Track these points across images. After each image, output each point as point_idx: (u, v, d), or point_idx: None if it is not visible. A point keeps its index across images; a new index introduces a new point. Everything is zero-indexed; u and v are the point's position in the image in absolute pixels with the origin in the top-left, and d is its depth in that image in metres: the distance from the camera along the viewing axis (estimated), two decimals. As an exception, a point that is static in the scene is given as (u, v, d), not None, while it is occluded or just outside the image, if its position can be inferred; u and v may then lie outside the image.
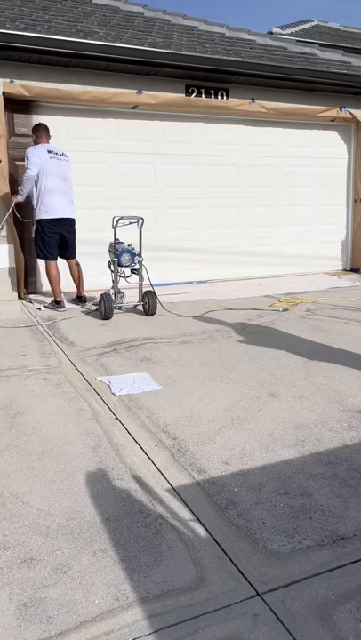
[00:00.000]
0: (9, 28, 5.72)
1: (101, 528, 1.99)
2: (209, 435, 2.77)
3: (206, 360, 4.01)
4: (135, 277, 5.69)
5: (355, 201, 8.52)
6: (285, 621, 1.55)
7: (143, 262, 5.59)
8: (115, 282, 5.56)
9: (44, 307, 5.89)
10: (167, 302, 6.00)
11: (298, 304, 6.02)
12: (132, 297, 5.74)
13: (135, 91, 6.61)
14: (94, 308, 5.78)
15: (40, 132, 5.71)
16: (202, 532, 1.96)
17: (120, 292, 5.64)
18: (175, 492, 2.23)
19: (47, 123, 5.96)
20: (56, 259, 5.76)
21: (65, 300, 5.91)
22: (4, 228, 6.20)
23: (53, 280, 5.74)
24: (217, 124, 7.45)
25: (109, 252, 5.68)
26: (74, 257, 5.93)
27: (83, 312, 5.72)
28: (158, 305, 5.58)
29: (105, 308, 5.33)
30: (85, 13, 7.60)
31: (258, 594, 1.66)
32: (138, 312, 5.66)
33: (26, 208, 6.03)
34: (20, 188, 5.76)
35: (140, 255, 5.58)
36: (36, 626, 1.55)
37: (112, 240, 5.59)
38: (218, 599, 1.64)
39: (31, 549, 1.88)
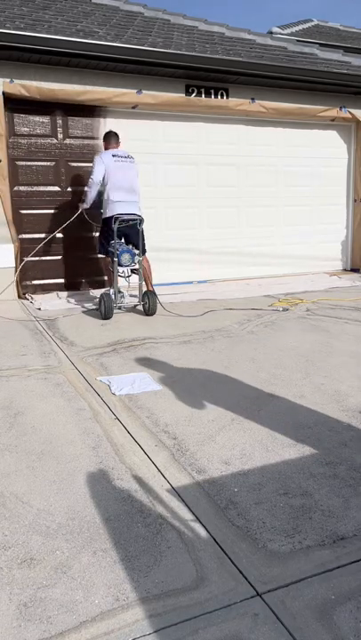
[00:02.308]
0: (9, 28, 5.72)
1: (101, 528, 1.99)
2: (209, 435, 2.77)
3: (206, 360, 4.01)
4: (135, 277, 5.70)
5: (355, 201, 8.53)
6: (285, 621, 1.54)
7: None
8: (114, 282, 5.56)
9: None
10: (167, 302, 6.00)
11: (298, 304, 6.02)
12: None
13: (135, 90, 6.61)
14: (94, 307, 5.78)
15: (109, 139, 5.94)
16: (202, 531, 1.96)
17: (120, 292, 5.64)
18: (175, 491, 2.23)
19: (47, 121, 5.96)
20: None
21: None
22: (5, 229, 6.21)
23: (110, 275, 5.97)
24: (217, 123, 7.45)
25: (109, 251, 5.68)
26: (144, 254, 5.99)
27: (83, 312, 5.72)
28: (158, 305, 5.58)
29: (105, 308, 5.33)
30: (85, 13, 7.60)
31: (258, 594, 1.66)
32: (138, 312, 5.66)
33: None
34: (85, 193, 5.93)
35: (140, 255, 5.58)
36: (36, 626, 1.55)
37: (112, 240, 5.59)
38: (218, 599, 1.64)
39: (31, 549, 1.88)
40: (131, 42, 6.37)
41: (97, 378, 3.64)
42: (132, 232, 5.75)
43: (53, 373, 3.77)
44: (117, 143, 5.96)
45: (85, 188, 5.93)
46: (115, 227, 5.49)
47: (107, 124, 6.77)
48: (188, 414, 3.03)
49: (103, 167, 5.69)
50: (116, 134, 5.99)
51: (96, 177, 5.69)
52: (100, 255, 6.31)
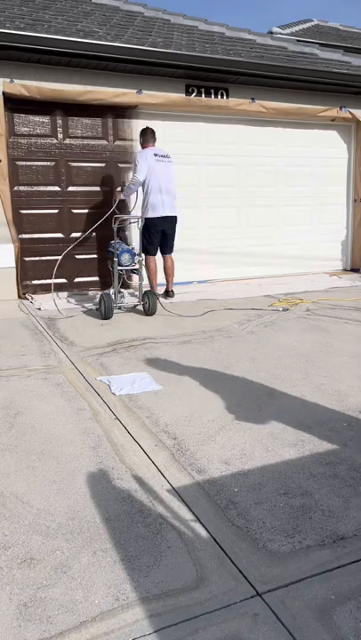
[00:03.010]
0: (9, 28, 5.72)
1: (101, 528, 1.99)
2: (209, 434, 2.77)
3: (206, 360, 4.00)
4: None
5: (355, 201, 8.53)
6: (285, 621, 1.54)
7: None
8: (114, 282, 5.56)
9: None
10: (167, 302, 6.01)
11: (298, 304, 6.02)
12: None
13: (135, 90, 6.61)
14: (94, 307, 5.79)
15: (147, 137, 6.08)
16: (202, 531, 1.96)
17: (120, 292, 5.64)
18: (175, 491, 2.23)
19: (44, 121, 5.95)
20: (155, 254, 6.16)
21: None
22: (5, 228, 6.21)
23: (151, 273, 6.13)
24: (217, 123, 7.45)
25: (109, 251, 5.68)
26: (171, 253, 6.25)
27: (83, 312, 5.72)
28: (158, 305, 5.58)
29: (105, 308, 5.33)
30: (85, 13, 7.60)
31: (258, 594, 1.66)
32: (138, 312, 5.66)
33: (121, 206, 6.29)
34: (126, 187, 6.01)
35: (140, 255, 5.59)
36: (36, 626, 1.55)
37: (112, 240, 5.59)
38: (218, 599, 1.64)
39: (31, 549, 1.88)
40: (131, 42, 6.37)
41: (97, 378, 3.64)
42: (170, 232, 6.09)
43: (53, 373, 3.77)
44: (155, 141, 6.05)
45: (126, 186, 6.00)
46: (154, 229, 5.87)
47: (107, 124, 6.78)
48: (188, 414, 3.03)
49: (147, 165, 5.79)
50: (153, 131, 6.06)
51: (140, 176, 5.81)
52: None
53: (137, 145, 6.53)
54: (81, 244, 6.83)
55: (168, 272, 6.30)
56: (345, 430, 2.80)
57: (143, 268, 5.61)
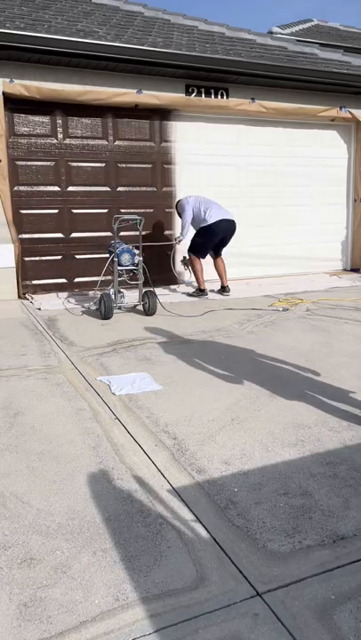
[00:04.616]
0: (9, 28, 5.72)
1: (101, 528, 1.99)
2: (209, 434, 2.77)
3: (206, 360, 4.01)
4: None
5: (355, 201, 8.52)
6: (285, 621, 1.54)
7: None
8: (114, 281, 5.56)
9: (188, 295, 6.59)
10: (167, 302, 6.01)
11: (298, 304, 6.01)
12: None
13: (135, 90, 6.61)
14: (94, 307, 5.78)
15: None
16: (202, 531, 1.96)
17: (120, 292, 5.64)
18: (175, 491, 2.23)
19: (44, 121, 5.92)
20: (205, 257, 6.52)
21: (208, 289, 6.56)
22: (5, 228, 6.21)
23: (198, 271, 6.45)
24: (217, 123, 7.44)
25: (109, 251, 5.68)
26: (221, 255, 6.62)
27: (83, 312, 5.72)
28: (158, 305, 5.58)
29: (105, 308, 5.33)
30: (85, 13, 7.59)
31: (258, 594, 1.66)
32: (138, 312, 5.66)
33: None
34: (182, 230, 6.41)
35: (140, 255, 5.59)
36: (36, 626, 1.55)
37: (112, 240, 5.59)
38: (218, 599, 1.64)
39: (31, 549, 1.88)
40: (131, 42, 6.37)
41: (97, 378, 3.64)
42: (228, 234, 6.40)
43: (53, 373, 3.77)
44: None
45: (182, 229, 6.42)
46: (216, 232, 6.25)
47: (107, 124, 6.78)
48: (188, 414, 3.03)
49: (191, 205, 6.30)
50: None
51: (188, 213, 6.29)
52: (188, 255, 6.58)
53: (136, 144, 6.57)
54: (81, 244, 6.84)
55: (222, 271, 6.64)
56: (345, 430, 2.80)
57: (143, 268, 5.60)
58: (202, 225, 6.31)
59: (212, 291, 6.65)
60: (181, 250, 6.81)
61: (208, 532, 1.96)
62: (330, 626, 1.53)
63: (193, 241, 6.46)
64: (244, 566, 1.78)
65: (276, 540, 1.92)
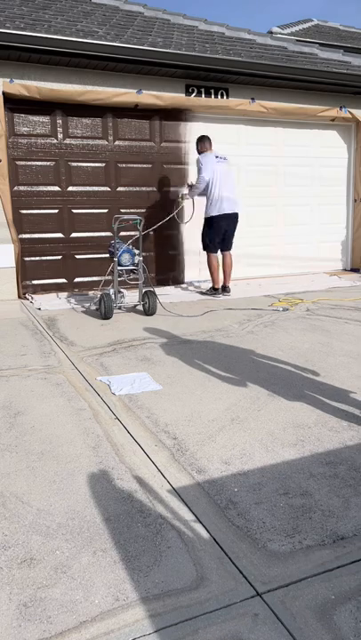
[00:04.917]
0: (9, 28, 5.72)
1: (101, 528, 1.99)
2: (209, 434, 2.77)
3: (206, 360, 4.01)
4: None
5: (355, 201, 8.52)
6: (285, 621, 1.54)
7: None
8: (114, 281, 5.56)
9: (202, 293, 6.63)
10: (167, 302, 6.01)
11: (298, 304, 6.02)
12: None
13: (135, 90, 6.61)
14: (94, 307, 5.79)
15: (205, 142, 6.41)
16: (202, 531, 1.96)
17: (120, 292, 5.64)
18: (175, 491, 2.23)
19: (44, 121, 5.93)
20: (217, 252, 6.46)
21: (221, 288, 6.57)
22: (6, 228, 6.21)
23: (213, 270, 6.44)
24: (217, 123, 7.44)
25: (109, 251, 5.68)
26: (230, 249, 6.52)
27: (83, 312, 5.72)
28: (158, 305, 5.58)
29: (105, 308, 5.33)
30: (85, 13, 7.59)
31: (258, 594, 1.66)
32: (138, 312, 5.66)
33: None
34: (192, 187, 6.37)
35: (139, 255, 5.59)
36: (36, 626, 1.55)
37: (113, 240, 5.60)
38: (218, 599, 1.64)
39: (31, 549, 1.88)
40: (131, 42, 6.37)
41: (97, 378, 3.64)
42: (231, 228, 6.36)
43: (53, 373, 3.77)
44: (211, 145, 6.39)
45: (192, 187, 6.36)
46: (220, 224, 6.22)
47: (107, 123, 6.78)
48: (188, 414, 3.03)
49: (211, 165, 6.14)
50: (209, 138, 6.43)
51: (208, 174, 6.15)
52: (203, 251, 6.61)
53: (135, 144, 6.55)
54: (81, 244, 6.84)
55: (226, 269, 6.55)
56: (345, 430, 2.80)
57: (142, 268, 5.60)
58: (205, 214, 6.34)
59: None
60: (187, 237, 6.88)
61: (208, 531, 1.96)
62: (330, 626, 1.53)
63: (201, 237, 6.48)
64: (244, 566, 1.78)
65: (276, 539, 1.92)
